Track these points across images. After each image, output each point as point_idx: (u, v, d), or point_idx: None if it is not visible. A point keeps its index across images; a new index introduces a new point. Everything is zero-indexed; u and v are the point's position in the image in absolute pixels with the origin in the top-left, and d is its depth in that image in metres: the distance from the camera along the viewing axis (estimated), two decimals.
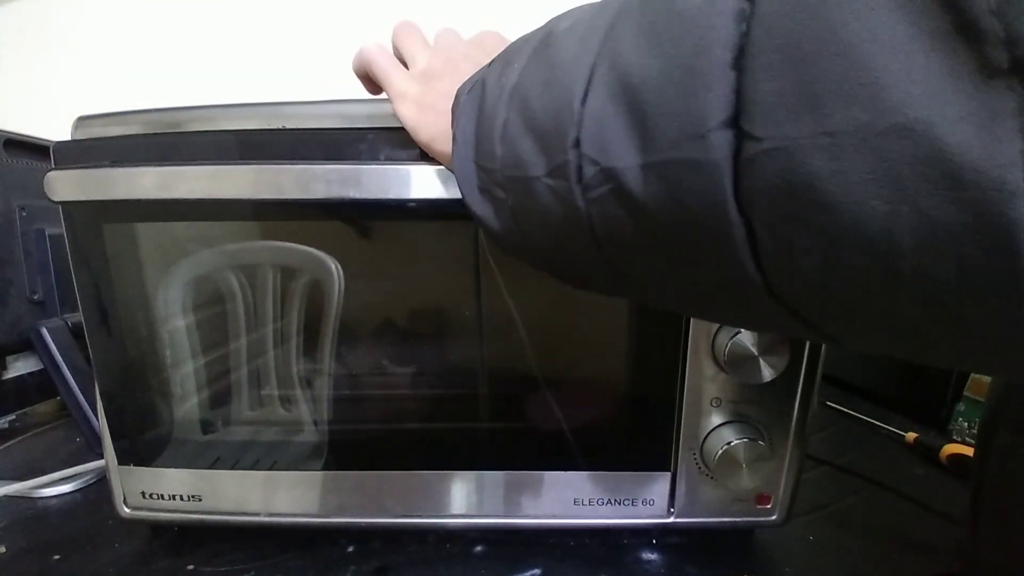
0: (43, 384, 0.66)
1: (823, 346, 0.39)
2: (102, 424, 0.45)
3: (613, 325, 0.42)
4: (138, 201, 0.39)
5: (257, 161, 0.38)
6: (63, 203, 0.40)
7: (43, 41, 0.92)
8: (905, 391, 0.68)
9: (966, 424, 0.60)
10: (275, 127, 0.39)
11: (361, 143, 0.38)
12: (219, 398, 0.46)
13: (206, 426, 0.46)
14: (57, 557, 0.45)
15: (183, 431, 0.46)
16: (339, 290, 0.42)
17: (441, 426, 0.45)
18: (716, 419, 0.42)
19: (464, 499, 0.45)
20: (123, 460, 0.45)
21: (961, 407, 0.61)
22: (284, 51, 0.83)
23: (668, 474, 0.43)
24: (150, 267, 0.43)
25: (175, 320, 0.45)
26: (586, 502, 0.44)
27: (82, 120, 0.41)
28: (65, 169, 0.39)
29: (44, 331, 0.62)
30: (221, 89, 0.82)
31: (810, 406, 0.41)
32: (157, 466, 0.45)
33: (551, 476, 0.44)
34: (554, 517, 0.45)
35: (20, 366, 0.68)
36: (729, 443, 0.40)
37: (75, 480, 0.56)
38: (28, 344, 0.63)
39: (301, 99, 0.40)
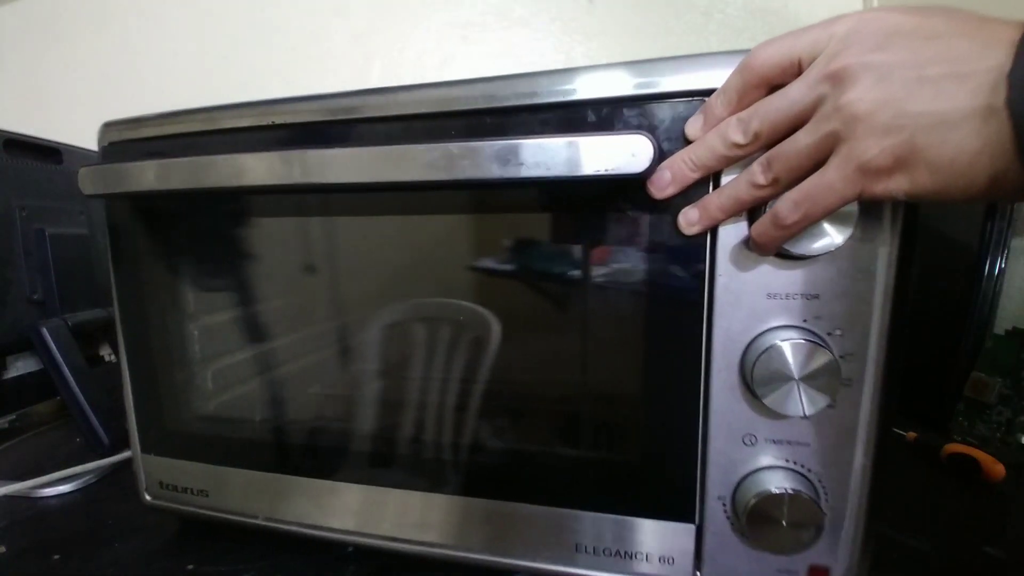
0: (43, 384, 0.66)
1: (896, 366, 0.31)
2: (129, 412, 0.48)
3: (625, 341, 0.35)
4: (166, 193, 0.40)
5: (273, 149, 0.36)
6: (91, 196, 0.42)
7: (43, 41, 0.92)
8: (905, 391, 0.68)
9: (966, 423, 0.60)
10: (302, 120, 0.38)
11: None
12: (244, 398, 0.47)
13: (225, 423, 0.47)
14: (57, 557, 0.45)
15: (201, 426, 0.47)
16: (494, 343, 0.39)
17: (447, 452, 0.41)
18: (753, 462, 0.33)
19: (454, 529, 0.40)
20: (145, 449, 0.47)
21: (961, 407, 0.61)
22: (279, 50, 0.83)
23: (692, 526, 0.34)
24: (183, 264, 0.45)
25: (209, 318, 0.46)
26: (590, 550, 0.36)
27: (109, 125, 0.45)
28: (95, 165, 0.42)
29: (44, 331, 0.62)
30: (220, 87, 0.82)
31: (883, 449, 0.31)
32: (172, 457, 0.47)
33: (550, 513, 0.37)
34: (552, 563, 0.37)
35: (20, 366, 0.68)
36: (762, 493, 0.31)
37: (75, 480, 0.56)
38: (28, 344, 0.63)
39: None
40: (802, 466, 0.32)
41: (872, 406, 0.31)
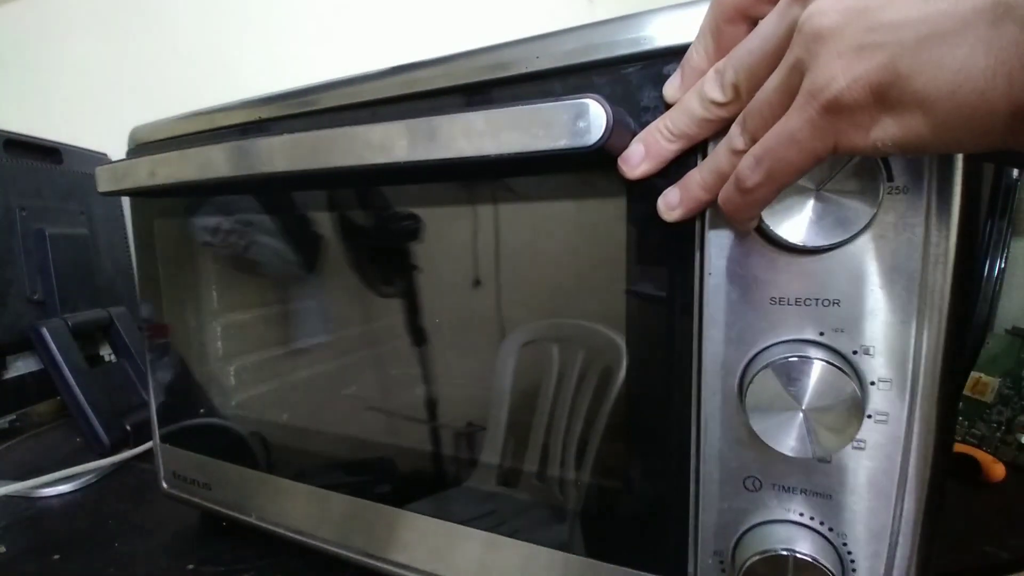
0: (43, 384, 0.66)
1: (953, 397, 0.24)
2: (150, 402, 0.50)
3: (602, 358, 0.30)
4: (164, 186, 0.41)
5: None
6: (106, 194, 0.44)
7: (43, 41, 0.92)
8: None
9: (966, 423, 0.60)
10: (305, 110, 0.37)
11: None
12: (264, 398, 0.47)
13: (240, 421, 0.47)
14: (57, 557, 0.45)
15: (213, 421, 0.48)
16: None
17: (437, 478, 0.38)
18: (758, 512, 0.26)
19: (434, 552, 0.36)
20: (163, 438, 0.50)
21: (961, 406, 0.61)
22: (279, 51, 0.83)
23: None
24: (202, 262, 0.46)
25: (235, 315, 0.48)
26: None
27: (137, 128, 0.47)
28: (109, 164, 0.43)
29: (44, 331, 0.62)
30: (220, 87, 0.82)
31: (935, 507, 0.24)
32: (184, 448, 0.48)
33: (524, 547, 0.33)
34: None
35: (20, 366, 0.68)
36: (761, 552, 0.24)
37: (75, 480, 0.56)
38: (28, 344, 0.63)
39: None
40: (821, 523, 0.25)
41: (920, 450, 0.23)
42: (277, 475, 0.44)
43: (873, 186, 0.22)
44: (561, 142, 0.24)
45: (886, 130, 0.18)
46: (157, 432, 0.50)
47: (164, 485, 0.50)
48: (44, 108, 0.93)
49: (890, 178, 0.22)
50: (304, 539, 0.42)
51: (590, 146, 0.24)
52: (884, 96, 0.17)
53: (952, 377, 0.23)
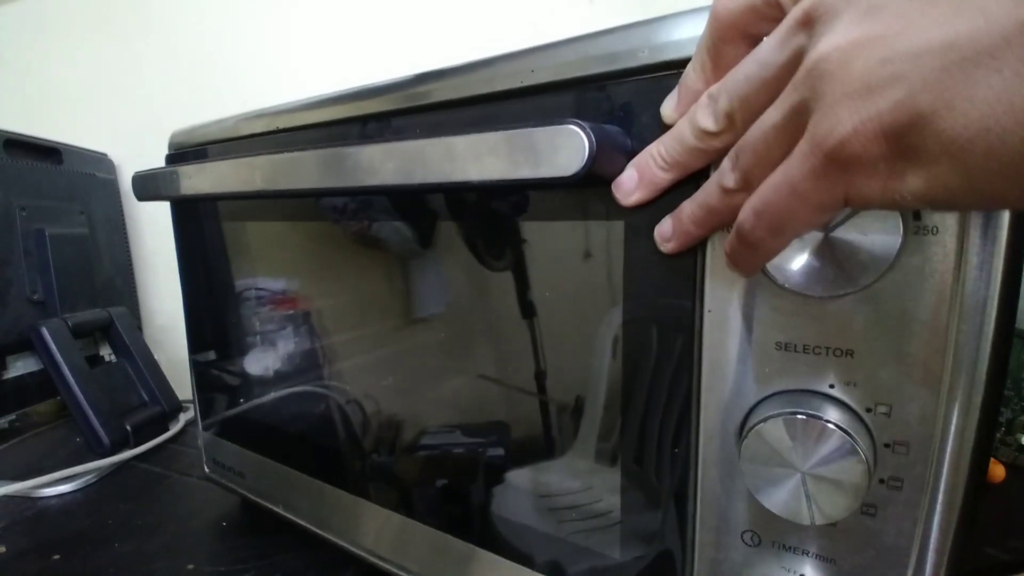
0: (43, 384, 0.66)
1: (983, 463, 0.21)
2: (193, 390, 0.53)
3: (593, 396, 0.28)
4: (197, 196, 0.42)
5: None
6: (142, 199, 0.45)
7: (43, 41, 0.92)
8: None
9: None
10: (349, 115, 0.36)
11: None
12: (300, 391, 0.47)
13: (276, 414, 0.47)
14: (57, 557, 0.45)
15: (249, 413, 0.49)
16: None
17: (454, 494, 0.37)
18: (755, 568, 0.24)
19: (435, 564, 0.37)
20: (205, 427, 0.53)
21: None
22: (280, 51, 0.83)
23: None
24: (245, 260, 0.47)
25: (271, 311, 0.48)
26: None
27: (176, 133, 0.48)
28: (146, 171, 0.45)
29: (44, 331, 0.62)
30: (220, 87, 0.82)
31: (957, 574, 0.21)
32: (223, 438, 0.51)
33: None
34: None
35: (20, 366, 0.68)
36: None
37: (75, 480, 0.56)
38: (28, 344, 0.63)
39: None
40: None
41: (942, 522, 0.21)
42: (309, 474, 0.44)
43: (895, 227, 0.20)
44: (541, 170, 0.22)
45: (906, 182, 0.15)
46: (199, 420, 0.53)
47: (206, 470, 0.54)
48: (44, 108, 0.93)
49: (916, 217, 0.20)
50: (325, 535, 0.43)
51: (569, 176, 0.22)
52: (901, 141, 0.15)
53: (983, 440, 0.20)
